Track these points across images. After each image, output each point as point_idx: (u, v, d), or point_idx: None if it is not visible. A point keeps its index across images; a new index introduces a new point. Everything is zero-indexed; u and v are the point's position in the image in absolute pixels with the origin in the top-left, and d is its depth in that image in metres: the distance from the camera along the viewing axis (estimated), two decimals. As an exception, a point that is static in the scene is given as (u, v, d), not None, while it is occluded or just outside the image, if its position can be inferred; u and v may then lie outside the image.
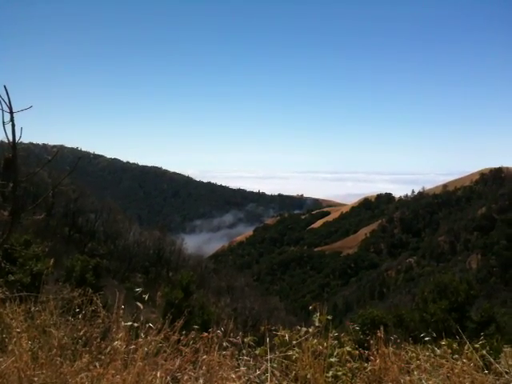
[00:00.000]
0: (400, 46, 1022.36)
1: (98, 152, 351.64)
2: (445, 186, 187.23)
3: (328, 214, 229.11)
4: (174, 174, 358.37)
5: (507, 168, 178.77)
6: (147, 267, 52.50)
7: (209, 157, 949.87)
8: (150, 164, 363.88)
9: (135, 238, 54.83)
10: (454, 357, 3.17)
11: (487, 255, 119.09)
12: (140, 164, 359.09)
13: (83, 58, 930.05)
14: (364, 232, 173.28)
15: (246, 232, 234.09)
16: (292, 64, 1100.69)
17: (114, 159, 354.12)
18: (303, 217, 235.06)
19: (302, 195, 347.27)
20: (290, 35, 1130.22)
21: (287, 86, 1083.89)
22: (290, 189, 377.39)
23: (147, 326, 3.14)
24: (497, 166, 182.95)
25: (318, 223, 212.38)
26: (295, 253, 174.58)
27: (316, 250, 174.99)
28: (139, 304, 3.50)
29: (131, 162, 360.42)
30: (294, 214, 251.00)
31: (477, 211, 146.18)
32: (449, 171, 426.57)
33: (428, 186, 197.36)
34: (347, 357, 3.17)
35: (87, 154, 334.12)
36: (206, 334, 3.01)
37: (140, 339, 2.94)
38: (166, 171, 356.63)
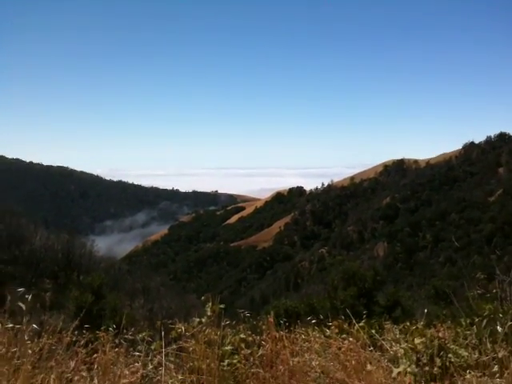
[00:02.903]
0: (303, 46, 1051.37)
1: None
2: (352, 178, 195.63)
3: (243, 209, 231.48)
4: (82, 173, 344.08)
5: (408, 160, 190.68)
6: (56, 272, 50.07)
7: (118, 155, 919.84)
8: (55, 164, 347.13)
9: (42, 242, 52.02)
10: (342, 336, 3.40)
11: (392, 242, 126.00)
12: (45, 164, 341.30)
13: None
14: (278, 225, 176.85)
15: (159, 231, 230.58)
16: (200, 60, 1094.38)
17: (16, 159, 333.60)
18: (218, 213, 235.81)
19: (216, 191, 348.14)
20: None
21: (195, 82, 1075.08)
22: (204, 185, 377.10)
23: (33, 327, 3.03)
24: (399, 158, 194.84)
25: (234, 219, 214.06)
26: (211, 249, 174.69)
27: (232, 245, 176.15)
28: (21, 305, 3.32)
29: (35, 162, 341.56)
30: (209, 210, 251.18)
31: (382, 201, 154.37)
32: (354, 164, 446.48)
33: (336, 179, 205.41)
34: (242, 344, 3.26)
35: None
36: (101, 332, 2.97)
37: (28, 342, 2.85)
38: (72, 171, 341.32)
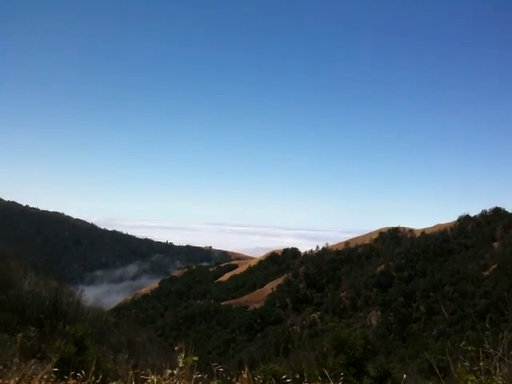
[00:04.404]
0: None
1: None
2: (346, 242, 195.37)
3: (236, 267, 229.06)
4: (77, 220, 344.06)
5: (403, 228, 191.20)
6: (42, 320, 48.87)
7: (115, 205, 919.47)
8: (51, 209, 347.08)
9: (30, 288, 51.08)
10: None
11: (386, 312, 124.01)
12: (41, 209, 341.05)
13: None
14: (270, 286, 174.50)
15: (149, 284, 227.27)
16: (199, 114, 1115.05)
17: (12, 202, 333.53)
18: (211, 269, 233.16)
19: (210, 247, 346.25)
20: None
21: (195, 137, 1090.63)
22: (199, 240, 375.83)
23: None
24: (394, 225, 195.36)
25: (226, 276, 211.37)
26: (201, 306, 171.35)
27: (223, 303, 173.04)
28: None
29: (31, 206, 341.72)
30: (202, 266, 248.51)
31: (376, 268, 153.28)
32: (349, 229, 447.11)
33: (331, 243, 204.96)
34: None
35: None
36: (71, 380, 2.95)
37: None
38: (68, 217, 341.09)
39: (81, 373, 3.96)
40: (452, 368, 4.35)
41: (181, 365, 3.20)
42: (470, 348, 4.58)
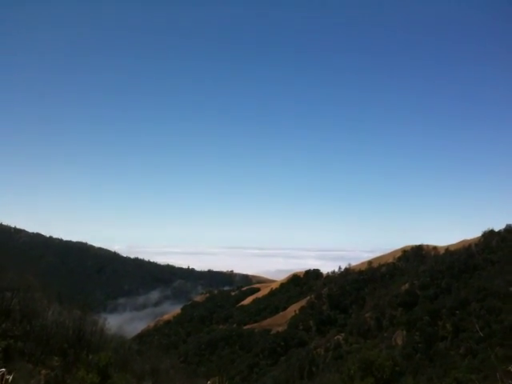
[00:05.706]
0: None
1: (19, 226, 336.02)
2: (369, 262, 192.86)
3: (258, 290, 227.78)
4: (100, 249, 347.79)
5: (427, 245, 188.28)
6: (65, 349, 49.00)
7: (138, 231, 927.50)
8: (74, 239, 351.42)
9: (54, 317, 51.40)
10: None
11: (411, 331, 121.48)
12: (64, 239, 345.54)
13: None
14: (293, 309, 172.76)
15: (171, 310, 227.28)
16: (219, 138, 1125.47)
17: (36, 234, 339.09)
18: (233, 293, 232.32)
19: (231, 271, 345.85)
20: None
21: (207, 160, 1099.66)
22: (220, 265, 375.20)
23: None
24: (417, 243, 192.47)
25: (248, 300, 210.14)
26: (224, 331, 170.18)
27: (245, 328, 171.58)
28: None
29: (54, 236, 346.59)
30: (224, 290, 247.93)
31: (400, 287, 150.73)
32: (372, 248, 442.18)
33: (353, 263, 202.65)
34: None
35: (7, 228, 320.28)
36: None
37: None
38: (90, 246, 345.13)
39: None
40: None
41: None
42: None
